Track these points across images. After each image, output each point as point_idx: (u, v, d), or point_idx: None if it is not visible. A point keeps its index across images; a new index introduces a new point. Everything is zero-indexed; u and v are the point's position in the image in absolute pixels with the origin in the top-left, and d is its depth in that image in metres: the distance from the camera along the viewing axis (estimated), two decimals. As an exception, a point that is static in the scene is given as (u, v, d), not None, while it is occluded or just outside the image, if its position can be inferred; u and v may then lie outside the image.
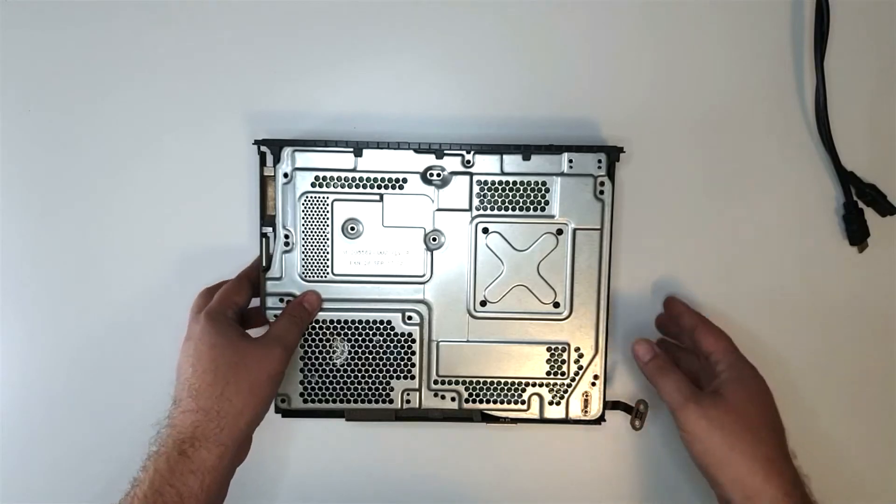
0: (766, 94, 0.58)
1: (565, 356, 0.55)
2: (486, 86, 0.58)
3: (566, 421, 0.56)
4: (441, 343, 0.55)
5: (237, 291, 0.53)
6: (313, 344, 0.55)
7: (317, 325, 0.55)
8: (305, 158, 0.54)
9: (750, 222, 0.58)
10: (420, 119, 0.58)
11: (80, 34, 0.57)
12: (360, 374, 0.55)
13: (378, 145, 0.54)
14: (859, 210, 0.57)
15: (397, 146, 0.54)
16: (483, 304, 0.55)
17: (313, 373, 0.55)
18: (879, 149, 0.58)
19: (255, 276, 0.55)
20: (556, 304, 0.55)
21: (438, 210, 0.54)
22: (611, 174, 0.54)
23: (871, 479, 0.60)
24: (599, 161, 0.54)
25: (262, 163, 0.54)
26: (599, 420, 0.56)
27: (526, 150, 0.54)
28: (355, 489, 0.60)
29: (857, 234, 0.57)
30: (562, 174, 0.54)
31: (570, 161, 0.54)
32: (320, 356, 0.55)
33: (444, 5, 0.57)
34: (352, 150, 0.54)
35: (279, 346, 0.51)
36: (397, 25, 0.57)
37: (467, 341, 0.55)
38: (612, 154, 0.54)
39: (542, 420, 0.56)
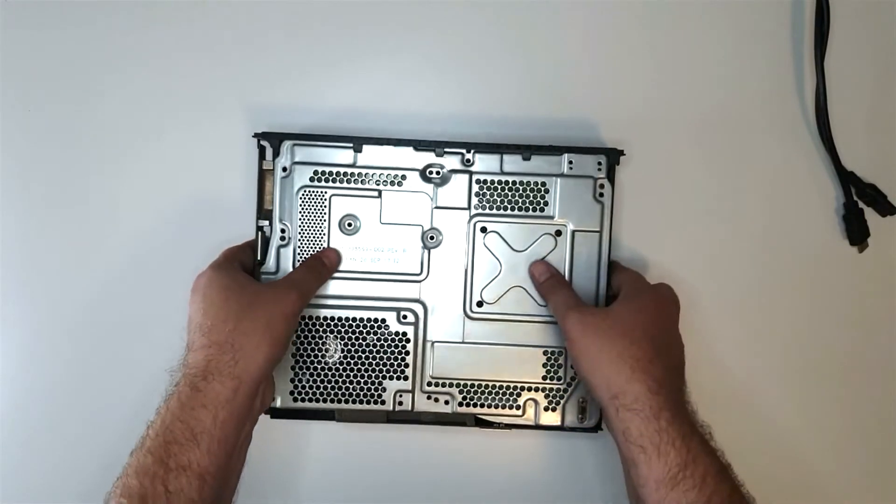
0: (766, 94, 0.57)
1: (562, 360, 0.55)
2: (486, 86, 0.58)
3: (562, 428, 0.55)
4: (436, 343, 0.55)
5: (240, 251, 0.53)
6: (305, 342, 0.54)
7: (309, 323, 0.54)
8: (305, 153, 0.54)
9: (750, 222, 0.58)
10: (420, 117, 0.58)
11: (81, 31, 0.57)
12: (352, 374, 0.54)
13: (378, 141, 0.53)
14: (859, 210, 0.57)
15: (397, 143, 0.54)
16: (479, 304, 0.55)
17: (304, 371, 0.54)
18: (879, 149, 0.57)
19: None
20: None
21: (437, 208, 0.54)
22: (610, 176, 0.54)
23: (873, 478, 0.60)
24: (599, 163, 0.54)
25: (262, 156, 0.54)
26: (596, 428, 0.55)
27: (526, 150, 0.54)
28: (345, 491, 0.59)
29: (857, 234, 0.57)
30: (561, 175, 0.54)
31: (570, 162, 0.54)
32: (312, 353, 0.54)
33: (444, 5, 0.57)
34: (352, 145, 0.53)
35: (294, 289, 0.50)
36: (398, 24, 0.57)
37: (462, 342, 0.55)
38: (612, 156, 0.54)
39: (538, 427, 0.55)
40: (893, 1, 0.57)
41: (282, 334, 0.48)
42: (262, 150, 0.54)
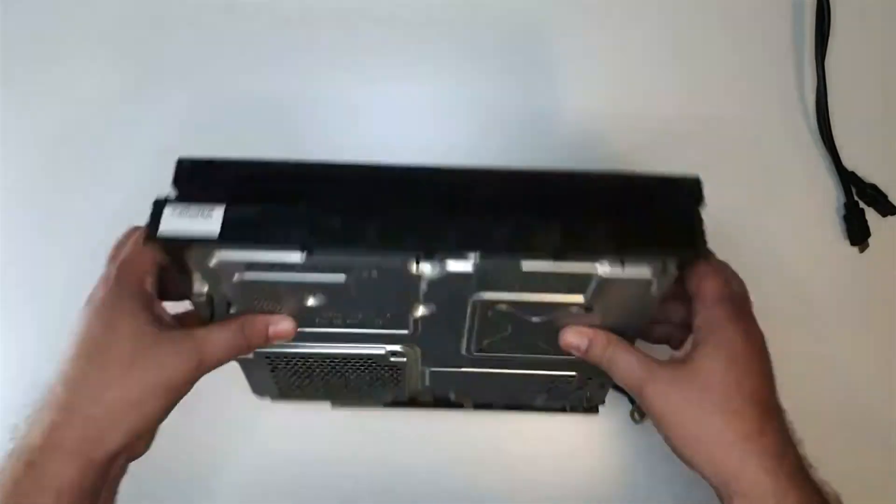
0: (766, 94, 0.56)
1: (574, 382, 0.52)
2: (482, 98, 0.55)
3: (562, 409, 0.55)
4: (432, 371, 0.51)
5: (151, 254, 0.40)
6: (284, 372, 0.49)
7: (285, 359, 0.48)
8: (231, 254, 0.36)
9: (749, 222, 0.57)
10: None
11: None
12: (342, 388, 0.52)
13: (334, 242, 0.35)
14: (860, 210, 0.57)
15: (367, 250, 0.35)
16: (481, 350, 0.47)
17: (287, 374, 0.49)
18: (880, 149, 0.57)
19: None
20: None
21: (425, 290, 0.39)
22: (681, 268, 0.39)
23: (869, 479, 0.60)
24: (664, 263, 0.37)
25: (172, 257, 0.38)
26: (596, 408, 0.55)
27: (558, 252, 0.36)
28: (340, 480, 0.58)
29: (857, 234, 0.57)
30: (606, 279, 0.38)
31: (622, 262, 0.37)
32: (295, 379, 0.50)
33: (440, 15, 0.56)
34: (298, 247, 0.36)
35: (194, 355, 0.39)
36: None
37: (461, 370, 0.50)
38: (687, 256, 0.37)
39: (537, 408, 0.54)
40: (894, 1, 0.56)
41: (158, 408, 0.38)
42: (169, 251, 0.37)
